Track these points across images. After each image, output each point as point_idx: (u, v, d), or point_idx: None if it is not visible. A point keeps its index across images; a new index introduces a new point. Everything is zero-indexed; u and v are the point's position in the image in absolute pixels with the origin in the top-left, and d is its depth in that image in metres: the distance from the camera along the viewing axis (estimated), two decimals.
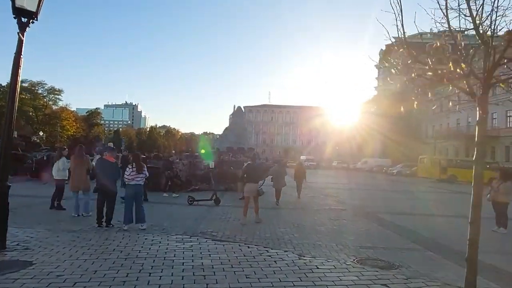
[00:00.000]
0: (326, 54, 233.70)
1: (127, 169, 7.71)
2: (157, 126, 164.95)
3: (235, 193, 16.13)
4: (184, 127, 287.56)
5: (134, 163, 7.75)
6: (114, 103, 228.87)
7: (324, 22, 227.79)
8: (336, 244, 6.99)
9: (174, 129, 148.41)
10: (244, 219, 8.73)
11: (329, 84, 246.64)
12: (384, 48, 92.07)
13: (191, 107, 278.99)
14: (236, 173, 18.04)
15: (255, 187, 9.07)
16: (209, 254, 5.52)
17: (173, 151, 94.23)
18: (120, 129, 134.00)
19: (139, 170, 7.67)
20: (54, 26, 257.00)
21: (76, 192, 9.03)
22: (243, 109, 52.96)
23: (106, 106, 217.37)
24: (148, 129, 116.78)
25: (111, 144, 32.82)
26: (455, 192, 23.04)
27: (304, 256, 5.66)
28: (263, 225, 8.65)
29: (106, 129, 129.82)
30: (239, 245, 6.26)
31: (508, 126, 46.01)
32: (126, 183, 7.71)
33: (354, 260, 5.86)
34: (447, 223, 10.57)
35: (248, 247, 6.06)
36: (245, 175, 9.04)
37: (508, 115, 46.55)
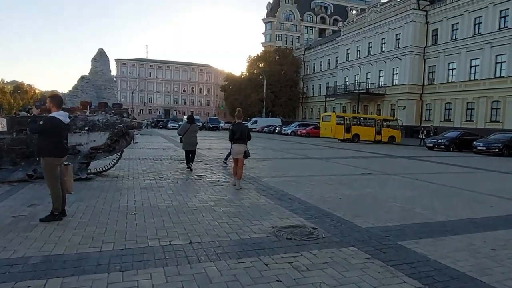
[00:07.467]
0: (208, 7, 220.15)
1: None
2: (4, 82, 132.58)
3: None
4: (48, 85, 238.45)
5: None
6: None
7: None
8: None
9: (28, 85, 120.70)
10: (235, 181, 8.08)
11: (214, 39, 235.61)
12: (271, 1, 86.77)
13: (55, 63, 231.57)
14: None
15: (244, 148, 7.86)
16: None
17: (20, 109, 74.90)
18: None
19: None
20: None
21: None
22: (110, 57, 40.56)
23: None
24: None
25: None
26: (387, 157, 18.21)
27: None
28: None
29: None
30: None
31: (394, 84, 45.56)
32: None
33: None
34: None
35: None
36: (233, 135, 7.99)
37: (395, 72, 46.04)
